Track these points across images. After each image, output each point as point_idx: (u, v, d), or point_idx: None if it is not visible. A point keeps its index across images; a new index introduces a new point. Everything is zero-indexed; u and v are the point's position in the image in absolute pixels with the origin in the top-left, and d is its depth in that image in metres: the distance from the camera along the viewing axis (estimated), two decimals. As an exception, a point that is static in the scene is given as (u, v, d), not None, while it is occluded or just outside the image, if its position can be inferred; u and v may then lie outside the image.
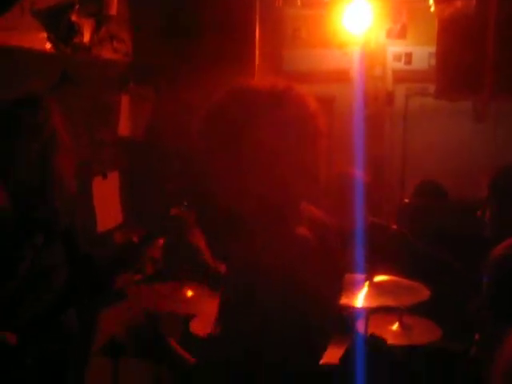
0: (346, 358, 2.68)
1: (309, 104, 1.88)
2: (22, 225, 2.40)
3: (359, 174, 3.70)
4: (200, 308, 3.20)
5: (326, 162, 1.92)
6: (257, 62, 4.39)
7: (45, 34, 3.65)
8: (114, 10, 4.06)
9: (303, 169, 1.87)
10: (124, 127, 4.28)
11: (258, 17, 4.41)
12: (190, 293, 3.27)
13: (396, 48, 5.41)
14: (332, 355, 2.75)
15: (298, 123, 1.84)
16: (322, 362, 2.09)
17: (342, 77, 5.42)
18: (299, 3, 5.26)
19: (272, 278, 1.74)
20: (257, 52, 4.38)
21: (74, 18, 3.79)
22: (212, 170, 1.86)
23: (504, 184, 3.08)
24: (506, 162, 3.30)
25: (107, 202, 4.12)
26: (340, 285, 2.08)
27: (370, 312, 3.15)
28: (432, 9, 4.41)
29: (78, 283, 2.52)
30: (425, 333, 3.27)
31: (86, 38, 3.92)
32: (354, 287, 3.10)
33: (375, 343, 2.85)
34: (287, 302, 1.76)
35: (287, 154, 1.82)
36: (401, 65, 5.42)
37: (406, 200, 4.87)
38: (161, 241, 1.85)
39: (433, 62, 4.77)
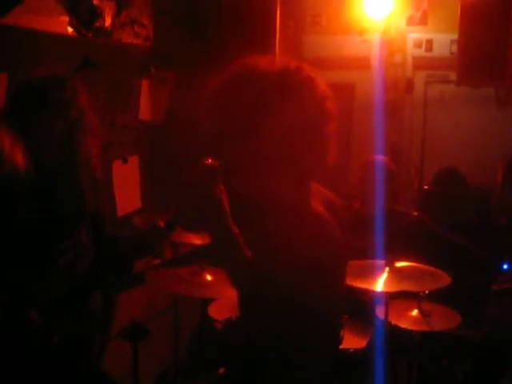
0: (370, 346, 2.69)
1: (319, 86, 1.86)
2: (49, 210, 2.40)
3: (386, 161, 3.71)
4: (219, 292, 3.21)
5: (336, 144, 1.90)
6: (277, 48, 4.38)
7: (66, 18, 3.65)
8: (134, -6, 4.07)
9: (311, 150, 1.85)
10: (144, 111, 4.28)
11: (278, 2, 4.39)
12: (209, 277, 3.28)
13: (417, 35, 5.37)
14: (353, 341, 2.77)
15: (307, 105, 1.83)
16: (342, 347, 2.11)
17: (362, 64, 5.40)
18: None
19: (288, 263, 1.73)
20: (277, 38, 4.37)
21: (95, 1, 3.79)
22: (220, 152, 1.82)
23: None
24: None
25: (127, 186, 4.13)
26: (346, 265, 2.06)
27: (390, 297, 3.15)
28: (454, -5, 4.39)
29: (102, 266, 2.53)
30: (444, 320, 3.27)
31: (108, 22, 3.92)
32: (374, 272, 3.10)
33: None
34: (304, 285, 1.76)
35: (295, 136, 1.81)
36: (421, 52, 5.39)
37: (426, 187, 4.86)
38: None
39: (454, 49, 4.74)
